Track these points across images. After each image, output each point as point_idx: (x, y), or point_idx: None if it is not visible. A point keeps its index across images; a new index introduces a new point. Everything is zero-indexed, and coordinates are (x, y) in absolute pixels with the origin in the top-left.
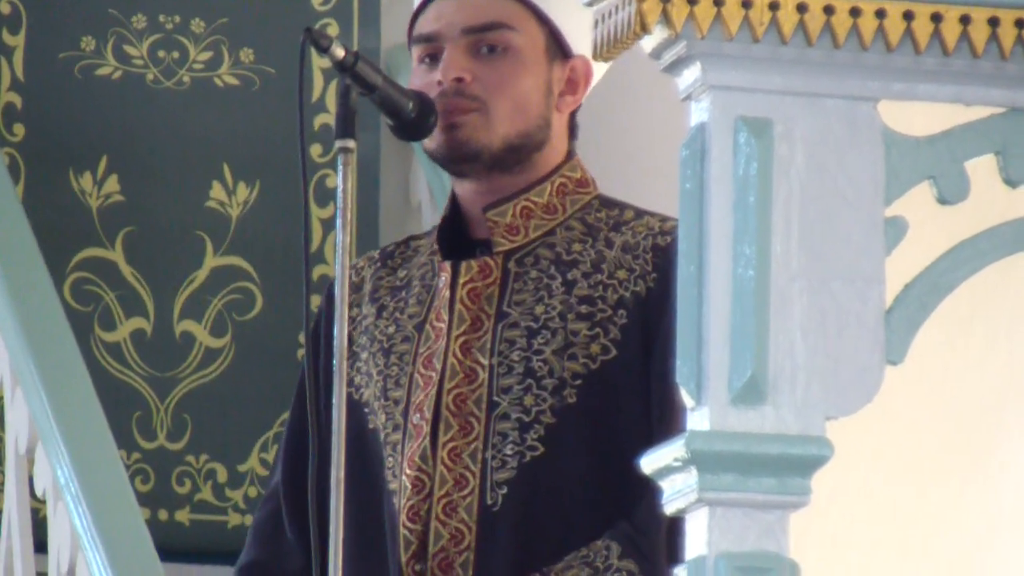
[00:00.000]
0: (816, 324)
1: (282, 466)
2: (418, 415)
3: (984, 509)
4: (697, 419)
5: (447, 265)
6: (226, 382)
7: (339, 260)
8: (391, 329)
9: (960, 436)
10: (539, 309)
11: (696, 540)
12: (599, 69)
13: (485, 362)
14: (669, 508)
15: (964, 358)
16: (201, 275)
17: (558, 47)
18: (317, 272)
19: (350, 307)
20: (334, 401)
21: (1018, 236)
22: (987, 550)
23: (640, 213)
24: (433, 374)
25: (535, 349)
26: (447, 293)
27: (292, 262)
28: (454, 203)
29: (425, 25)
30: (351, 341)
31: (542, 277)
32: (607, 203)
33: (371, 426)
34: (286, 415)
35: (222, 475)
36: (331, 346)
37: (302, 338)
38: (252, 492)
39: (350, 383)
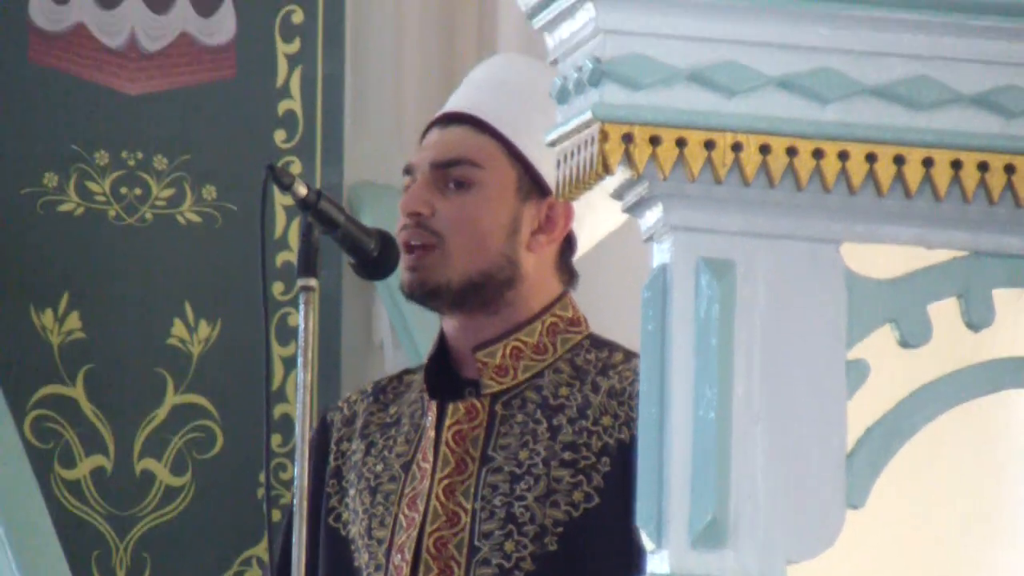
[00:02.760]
0: (777, 467)
1: None
2: (399, 556)
3: None
4: (657, 562)
5: (434, 405)
6: (186, 521)
7: (300, 399)
8: (379, 467)
9: None
10: (523, 454)
11: None
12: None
13: (468, 506)
14: None
15: (926, 501)
16: (162, 413)
17: (533, 185)
18: (278, 411)
19: (341, 441)
20: (294, 540)
21: (980, 380)
22: None
23: (629, 356)
24: (416, 515)
25: (517, 495)
26: (433, 434)
27: (253, 400)
28: (442, 340)
29: (410, 157)
30: (340, 476)
31: (528, 421)
32: (597, 343)
33: (356, 563)
34: (247, 553)
35: None
36: (320, 480)
37: (262, 477)
38: None
39: (337, 518)
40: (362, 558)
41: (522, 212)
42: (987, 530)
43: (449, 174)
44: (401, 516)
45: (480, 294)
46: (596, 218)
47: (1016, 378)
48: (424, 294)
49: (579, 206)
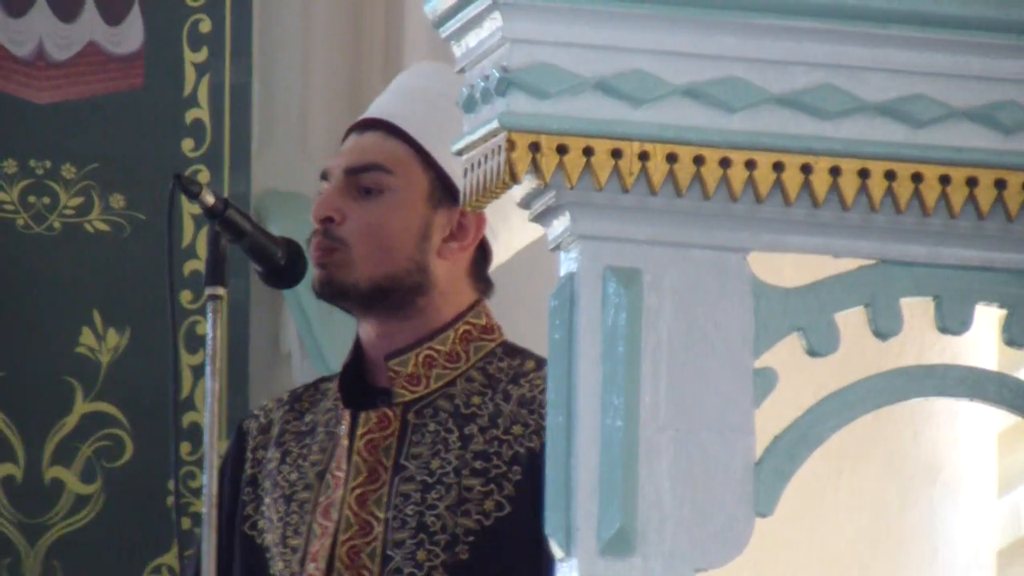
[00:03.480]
0: (685, 475)
1: None
2: (313, 564)
3: None
4: (566, 570)
5: (347, 414)
6: (96, 529)
7: (209, 407)
8: (293, 476)
9: None
10: (435, 463)
11: None
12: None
13: (381, 515)
14: None
15: (834, 509)
16: (71, 421)
17: (445, 192)
18: (187, 419)
19: (257, 449)
20: (204, 548)
21: (888, 389)
22: None
23: (541, 364)
24: (330, 524)
25: (429, 504)
26: (347, 442)
27: (162, 409)
28: (357, 348)
29: (321, 168)
30: (256, 483)
31: (439, 430)
32: (511, 351)
33: (271, 572)
34: (156, 561)
35: None
36: (236, 488)
37: (171, 485)
38: None
39: (252, 526)
40: (276, 566)
41: (433, 219)
42: (893, 543)
43: (361, 180)
44: (315, 525)
45: (389, 299)
46: (512, 228)
47: (923, 387)
48: (332, 293)
49: (494, 216)
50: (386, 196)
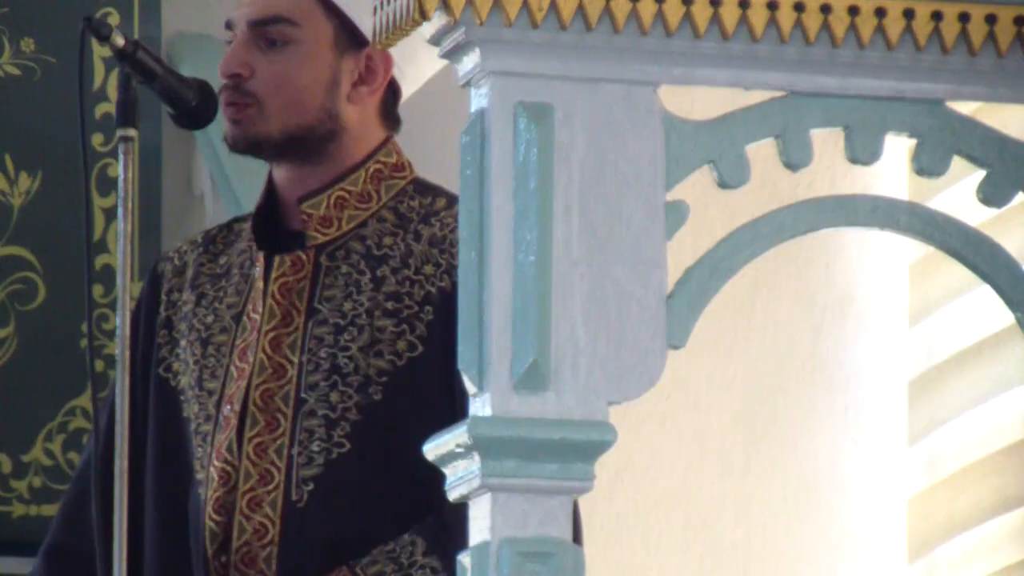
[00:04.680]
0: (598, 309)
1: (95, 446)
2: (228, 407)
3: (767, 488)
4: (479, 405)
5: (261, 256)
6: (9, 372)
7: (121, 248)
8: (209, 319)
9: (743, 417)
10: (347, 306)
11: (479, 526)
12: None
13: (295, 359)
14: (452, 494)
15: (746, 340)
16: None
17: (351, 38)
18: (100, 261)
19: (172, 291)
20: (117, 390)
21: (799, 220)
22: (771, 529)
23: (452, 202)
24: (247, 367)
25: (341, 346)
26: (261, 285)
27: (75, 251)
28: (270, 191)
29: (229, 11)
30: (171, 326)
31: (352, 273)
32: (421, 189)
33: (184, 414)
34: (71, 403)
35: (6, 466)
36: (151, 330)
37: (84, 327)
38: (37, 482)
39: (167, 368)
40: (192, 409)
41: (340, 66)
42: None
43: (266, 32)
44: (232, 368)
45: (302, 146)
46: (419, 65)
47: (834, 217)
48: (246, 146)
49: (400, 55)
50: (292, 48)
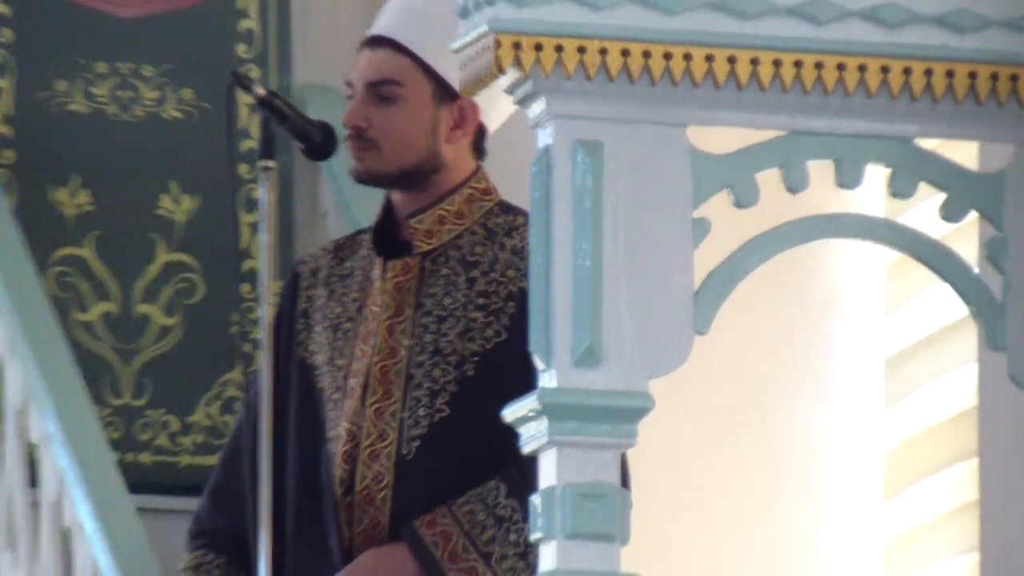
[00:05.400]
0: (638, 304)
1: (245, 412)
2: (354, 380)
3: (766, 452)
4: (547, 379)
5: (379, 262)
6: (176, 353)
7: (263, 255)
8: (338, 310)
9: (750, 393)
10: (447, 301)
11: (546, 474)
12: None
13: (405, 343)
14: (526, 449)
15: (756, 331)
16: (154, 268)
17: (445, 93)
18: (246, 265)
19: (308, 288)
20: (262, 367)
21: (797, 232)
22: (774, 479)
23: (528, 218)
24: (368, 348)
25: (442, 333)
26: (379, 284)
27: (226, 257)
28: (388, 209)
29: (350, 72)
30: (308, 316)
31: (450, 275)
32: (505, 209)
33: (319, 386)
34: (224, 377)
35: (175, 425)
36: (292, 319)
37: (234, 317)
38: (199, 439)
39: (305, 349)
40: (324, 381)
41: (439, 115)
42: (796, 360)
43: (379, 91)
44: (357, 349)
45: (412, 179)
46: (499, 109)
47: (826, 230)
48: (368, 180)
49: (484, 101)
50: (400, 103)
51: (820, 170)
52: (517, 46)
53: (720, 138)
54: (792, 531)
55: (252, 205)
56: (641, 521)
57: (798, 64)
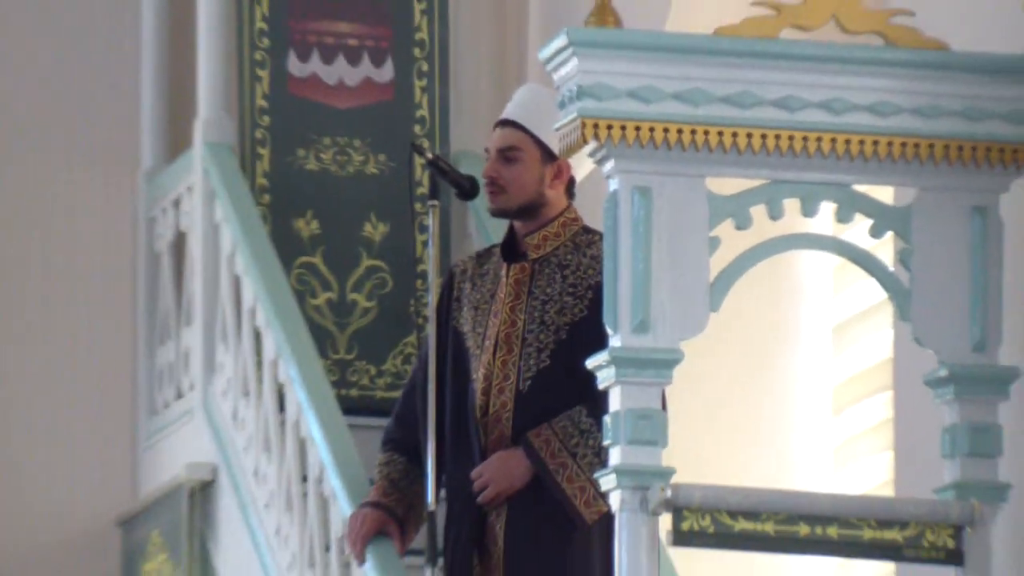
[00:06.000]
0: (675, 292)
1: (419, 364)
2: (488, 341)
3: (771, 404)
4: (614, 341)
5: (505, 265)
6: (374, 325)
7: (431, 263)
8: (478, 296)
9: (752, 355)
10: (548, 290)
11: (614, 402)
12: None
13: (522, 318)
14: (601, 386)
15: (751, 313)
16: (360, 270)
17: (549, 156)
18: (419, 268)
19: (460, 283)
20: (430, 334)
21: (777, 245)
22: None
23: (602, 237)
24: (497, 321)
25: (545, 311)
26: (505, 279)
27: (407, 263)
28: (511, 230)
29: (488, 141)
30: (460, 300)
31: (551, 273)
32: (587, 230)
33: (466, 345)
34: (405, 340)
35: (373, 371)
36: (449, 303)
37: (411, 302)
38: (388, 380)
39: (457, 322)
40: (469, 342)
41: (545, 170)
42: (773, 324)
43: (506, 154)
44: (490, 321)
45: (527, 212)
46: (584, 166)
47: (797, 244)
48: (500, 214)
49: (574, 162)
50: (520, 163)
51: (791, 205)
52: (596, 126)
53: (727, 185)
54: (768, 427)
55: (424, 229)
56: (673, 432)
57: (778, 137)
